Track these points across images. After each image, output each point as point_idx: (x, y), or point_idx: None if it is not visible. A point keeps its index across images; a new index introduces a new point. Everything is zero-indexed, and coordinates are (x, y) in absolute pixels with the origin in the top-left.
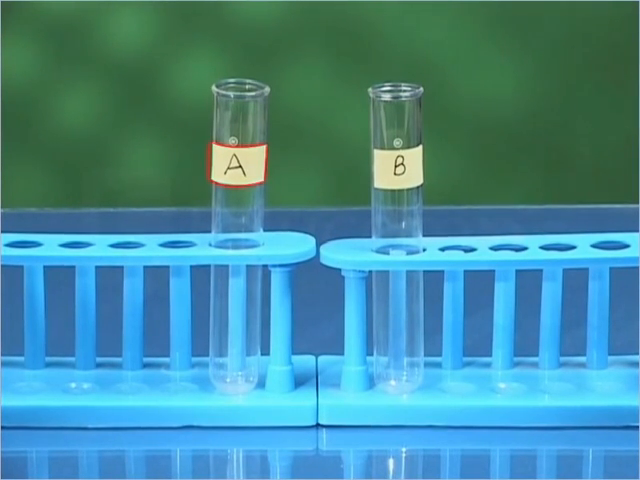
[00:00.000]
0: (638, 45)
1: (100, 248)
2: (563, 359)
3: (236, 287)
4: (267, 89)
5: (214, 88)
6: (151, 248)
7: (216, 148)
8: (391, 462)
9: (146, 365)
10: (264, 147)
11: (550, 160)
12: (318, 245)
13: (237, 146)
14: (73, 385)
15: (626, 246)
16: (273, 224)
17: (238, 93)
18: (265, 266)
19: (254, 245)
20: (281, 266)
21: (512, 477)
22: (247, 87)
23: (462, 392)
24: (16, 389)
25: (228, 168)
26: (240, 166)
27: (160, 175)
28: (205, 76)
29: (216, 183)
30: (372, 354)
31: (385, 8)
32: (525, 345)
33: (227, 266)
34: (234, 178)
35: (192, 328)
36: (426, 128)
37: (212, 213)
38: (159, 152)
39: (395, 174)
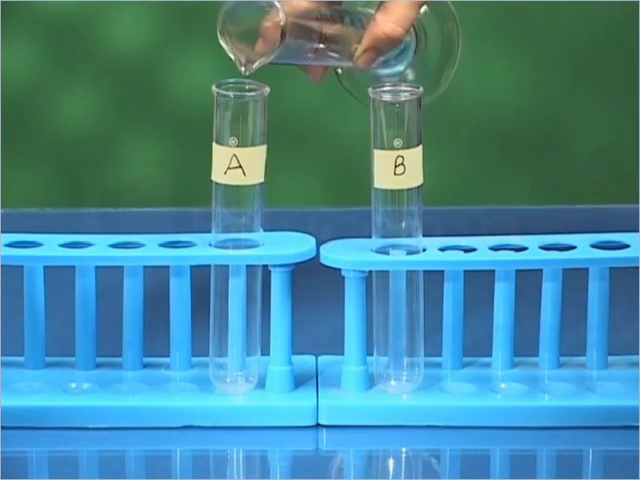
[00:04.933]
0: (638, 46)
1: (100, 248)
2: (563, 359)
3: (236, 287)
4: (267, 89)
5: (214, 88)
6: (151, 248)
7: (216, 148)
8: (391, 462)
9: (146, 365)
10: (264, 147)
11: (550, 160)
12: (318, 245)
13: (237, 146)
14: (73, 385)
15: (626, 246)
16: (273, 224)
17: (238, 93)
18: (265, 266)
19: (254, 245)
20: (281, 266)
21: (512, 477)
22: (247, 87)
23: (462, 392)
24: (16, 389)
25: (228, 168)
26: (240, 166)
27: (160, 175)
28: (205, 76)
29: (216, 183)
30: (372, 354)
31: None
32: (525, 345)
33: (227, 266)
34: (234, 178)
35: (192, 328)
36: (426, 128)
37: (212, 213)
38: (159, 152)
39: (395, 174)
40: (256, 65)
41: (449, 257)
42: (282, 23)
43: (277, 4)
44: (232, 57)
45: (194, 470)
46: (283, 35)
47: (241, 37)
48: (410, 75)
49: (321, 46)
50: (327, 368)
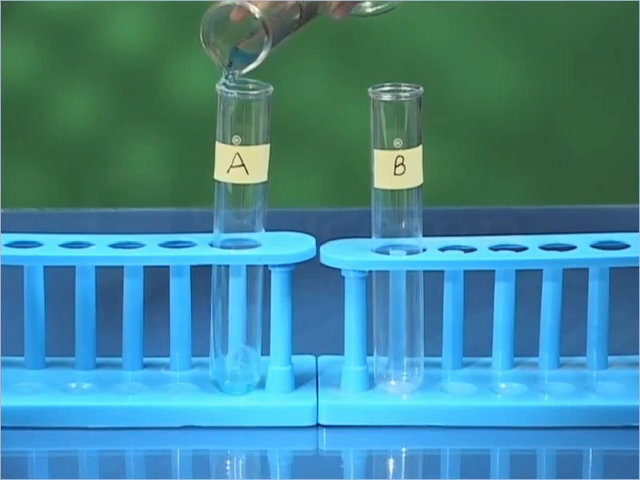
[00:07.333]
0: (638, 46)
1: (100, 248)
2: (563, 359)
3: (236, 287)
4: (271, 88)
5: (218, 87)
6: (151, 248)
7: (219, 146)
8: (391, 462)
9: (146, 365)
10: (267, 146)
11: (550, 160)
12: (318, 245)
13: (240, 145)
14: (73, 385)
15: (626, 246)
16: (273, 224)
17: (242, 92)
18: (265, 266)
19: (255, 245)
20: (281, 266)
21: (512, 477)
22: (251, 86)
23: (462, 392)
24: (16, 389)
25: (231, 167)
26: (243, 164)
27: (160, 175)
28: (205, 76)
29: (218, 182)
30: (372, 354)
31: None
32: (525, 345)
33: (228, 266)
34: (237, 177)
35: (192, 328)
36: (426, 128)
37: (214, 213)
38: (159, 152)
39: (395, 174)
40: (249, 68)
41: (449, 257)
42: (260, 18)
43: (250, 6)
44: (218, 65)
45: (194, 470)
46: (267, 32)
47: (227, 44)
48: None
49: (303, 15)
50: (327, 368)
